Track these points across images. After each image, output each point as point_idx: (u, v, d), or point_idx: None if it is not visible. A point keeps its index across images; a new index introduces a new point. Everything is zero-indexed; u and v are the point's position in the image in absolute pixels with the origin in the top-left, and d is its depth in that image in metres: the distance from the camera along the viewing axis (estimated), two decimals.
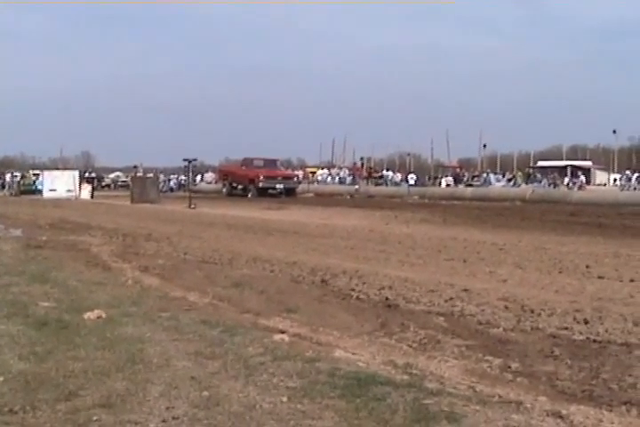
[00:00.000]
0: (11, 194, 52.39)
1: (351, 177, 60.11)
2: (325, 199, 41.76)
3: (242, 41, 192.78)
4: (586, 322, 7.14)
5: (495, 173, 57.52)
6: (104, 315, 7.15)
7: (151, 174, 53.35)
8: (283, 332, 6.67)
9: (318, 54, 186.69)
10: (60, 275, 10.18)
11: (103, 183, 68.95)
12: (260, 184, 44.45)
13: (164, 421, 4.23)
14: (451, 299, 8.42)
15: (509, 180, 54.11)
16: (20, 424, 4.20)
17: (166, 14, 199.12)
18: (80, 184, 47.92)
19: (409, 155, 75.18)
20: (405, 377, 5.18)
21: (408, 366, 5.54)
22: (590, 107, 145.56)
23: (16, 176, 64.00)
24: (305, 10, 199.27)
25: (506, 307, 7.92)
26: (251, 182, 45.17)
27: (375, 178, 60.39)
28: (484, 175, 55.19)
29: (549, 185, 49.48)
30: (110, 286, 9.34)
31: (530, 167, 60.56)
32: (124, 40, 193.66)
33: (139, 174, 48.13)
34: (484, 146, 69.28)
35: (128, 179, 57.53)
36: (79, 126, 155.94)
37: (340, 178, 61.49)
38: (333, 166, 70.52)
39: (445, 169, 63.17)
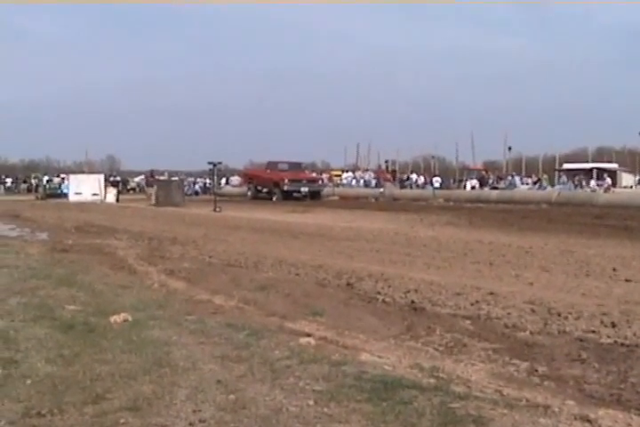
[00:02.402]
0: (37, 198, 52.62)
1: (376, 180, 60.02)
2: (350, 202, 41.71)
3: (267, 43, 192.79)
4: (613, 325, 7.10)
5: (520, 176, 57.23)
6: (130, 318, 7.19)
7: (176, 178, 53.53)
8: (309, 335, 6.67)
9: (342, 57, 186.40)
10: (86, 278, 10.24)
11: (128, 187, 69.22)
12: (285, 187, 44.45)
13: (190, 424, 4.24)
14: (477, 302, 8.39)
15: (535, 182, 53.85)
16: None
17: (186, 17, 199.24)
18: (105, 188, 48.16)
19: (433, 158, 74.90)
20: (432, 381, 5.17)
21: (434, 369, 5.53)
22: (616, 108, 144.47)
23: (41, 180, 64.50)
24: (326, 12, 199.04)
25: (532, 310, 7.88)
26: (275, 186, 45.18)
27: (400, 180, 60.35)
28: (510, 178, 54.95)
29: (575, 187, 49.21)
30: (136, 289, 9.38)
31: (556, 170, 60.19)
32: (148, 43, 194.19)
33: (163, 178, 48.26)
34: (510, 148, 68.86)
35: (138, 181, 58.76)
36: (104, 130, 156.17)
37: (364, 181, 61.40)
38: (358, 169, 70.37)
39: (470, 172, 62.80)
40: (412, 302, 8.50)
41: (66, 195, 49.19)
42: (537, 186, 51.98)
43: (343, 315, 7.82)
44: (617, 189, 48.98)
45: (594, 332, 6.87)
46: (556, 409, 4.54)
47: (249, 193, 49.72)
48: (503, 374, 5.55)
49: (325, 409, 4.45)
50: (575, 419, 4.37)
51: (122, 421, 4.28)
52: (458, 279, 10.19)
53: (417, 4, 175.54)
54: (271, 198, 44.74)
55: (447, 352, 6.24)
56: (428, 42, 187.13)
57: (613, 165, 60.96)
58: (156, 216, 28.37)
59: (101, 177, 50.27)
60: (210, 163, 38.43)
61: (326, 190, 50.16)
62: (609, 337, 6.67)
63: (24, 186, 69.01)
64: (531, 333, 6.91)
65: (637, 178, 55.18)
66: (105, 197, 46.10)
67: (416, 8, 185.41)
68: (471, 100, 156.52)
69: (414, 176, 61.79)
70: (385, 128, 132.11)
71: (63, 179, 59.62)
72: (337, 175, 67.23)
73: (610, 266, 11.49)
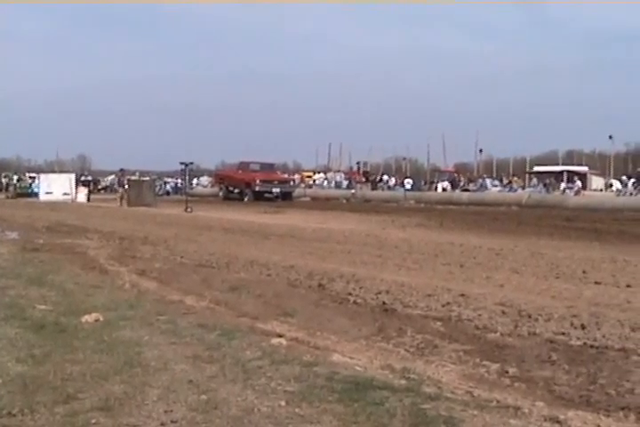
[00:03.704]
0: (7, 197, 52.31)
1: (347, 181, 60.12)
2: (322, 203, 41.74)
3: (238, 44, 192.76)
4: (583, 327, 7.14)
5: (491, 178, 57.50)
6: (101, 318, 7.16)
7: (147, 178, 53.37)
8: (280, 336, 6.67)
9: (314, 58, 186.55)
10: (56, 278, 10.19)
11: (99, 186, 68.92)
12: (257, 188, 44.50)
13: (162, 424, 4.23)
14: (448, 304, 8.42)
15: (505, 185, 54.12)
16: None
17: (162, 17, 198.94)
18: (76, 187, 47.96)
19: (405, 159, 75.19)
20: (403, 382, 5.18)
21: (406, 370, 5.54)
22: (587, 112, 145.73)
23: (12, 179, 64.08)
24: (301, 13, 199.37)
25: (503, 312, 7.92)
26: (247, 186, 45.22)
27: (372, 181, 60.42)
28: (481, 180, 55.20)
29: (547, 190, 49.52)
30: (107, 289, 9.34)
31: (526, 172, 60.58)
32: (120, 43, 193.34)
33: (133, 178, 48.08)
34: (481, 151, 69.30)
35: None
36: (75, 129, 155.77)
37: (335, 182, 61.50)
38: (330, 170, 70.50)
39: (442, 173, 63.08)
40: (384, 303, 8.52)
41: (36, 194, 49.05)
42: (508, 188, 52.23)
43: (315, 316, 7.83)
44: (587, 192, 49.31)
45: (564, 334, 6.91)
46: (526, 410, 4.57)
47: (220, 193, 49.74)
48: (474, 375, 5.58)
49: (297, 410, 4.46)
50: (545, 420, 4.40)
51: (93, 421, 4.26)
52: (429, 281, 10.22)
53: (395, 3, 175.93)
54: (242, 199, 44.74)
55: (418, 353, 6.26)
56: (401, 44, 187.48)
57: (584, 168, 61.47)
58: (127, 216, 28.28)
59: (72, 176, 50.19)
60: (182, 163, 38.39)
61: (298, 191, 50.27)
62: (579, 339, 6.71)
63: None
64: (501, 334, 6.94)
65: (606, 181, 55.60)
66: (76, 196, 45.93)
67: (389, 7, 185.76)
68: (443, 102, 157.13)
69: (386, 177, 61.95)
70: (356, 129, 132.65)
71: (34, 178, 59.37)
72: (308, 176, 67.38)
73: (580, 268, 11.56)
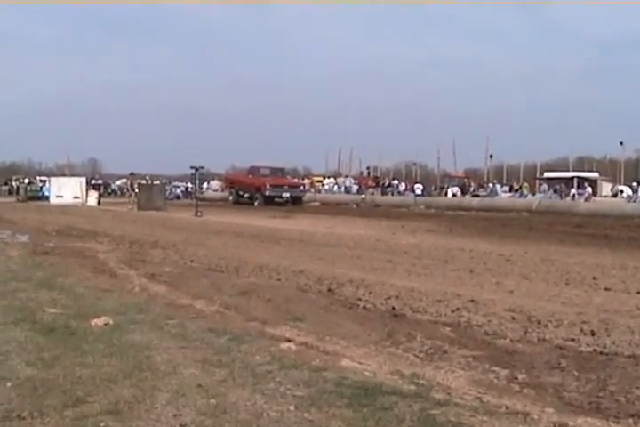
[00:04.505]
0: (18, 200, 52.42)
1: (357, 186, 60.02)
2: (332, 208, 41.69)
3: (249, 48, 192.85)
4: (593, 334, 7.13)
5: (501, 184, 57.35)
6: (111, 322, 7.17)
7: (158, 181, 53.40)
8: (289, 340, 6.67)
9: (324, 61, 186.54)
10: (66, 281, 10.20)
11: (110, 190, 69.03)
12: (267, 193, 44.52)
13: None
14: (457, 309, 8.41)
15: (516, 190, 53.97)
16: None
17: (176, 19, 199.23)
18: (87, 191, 48.04)
19: (415, 164, 75.01)
20: (412, 387, 5.18)
21: (415, 376, 5.54)
22: (597, 118, 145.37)
23: (23, 182, 64.26)
24: (308, 15, 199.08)
25: (512, 318, 7.91)
26: (257, 191, 45.24)
27: (382, 187, 60.31)
28: (491, 186, 55.05)
29: (561, 197, 49.36)
30: (117, 292, 9.35)
31: (537, 178, 60.41)
32: (130, 45, 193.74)
33: (144, 182, 48.10)
34: (491, 156, 69.07)
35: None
36: (86, 133, 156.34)
37: (345, 187, 61.40)
38: (340, 175, 70.40)
39: (452, 179, 62.87)
40: (393, 308, 8.52)
41: (47, 197, 49.10)
42: (518, 194, 52.11)
43: (324, 321, 7.82)
44: (597, 199, 49.16)
45: (573, 340, 6.90)
46: (536, 417, 4.56)
47: (230, 198, 49.74)
48: (483, 381, 5.56)
49: (306, 414, 4.45)
50: (554, 426, 4.39)
51: (102, 424, 4.27)
52: (438, 286, 10.21)
53: (403, 6, 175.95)
54: (253, 203, 44.79)
55: (427, 359, 6.25)
56: (412, 50, 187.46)
57: (594, 174, 61.21)
58: (137, 220, 28.30)
59: (83, 180, 50.23)
60: (192, 167, 38.37)
61: (308, 196, 50.24)
62: (588, 345, 6.70)
63: (5, 188, 68.69)
64: (511, 340, 6.93)
65: (613, 187, 55.35)
66: (86, 200, 46.00)
67: (397, 13, 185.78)
68: (453, 108, 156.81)
69: (395, 183, 61.82)
70: (367, 134, 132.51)
71: (44, 181, 59.48)
72: (318, 181, 67.26)
73: (590, 275, 11.54)
